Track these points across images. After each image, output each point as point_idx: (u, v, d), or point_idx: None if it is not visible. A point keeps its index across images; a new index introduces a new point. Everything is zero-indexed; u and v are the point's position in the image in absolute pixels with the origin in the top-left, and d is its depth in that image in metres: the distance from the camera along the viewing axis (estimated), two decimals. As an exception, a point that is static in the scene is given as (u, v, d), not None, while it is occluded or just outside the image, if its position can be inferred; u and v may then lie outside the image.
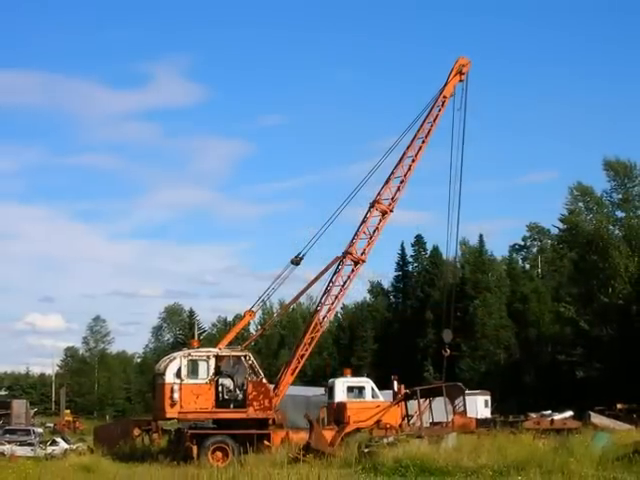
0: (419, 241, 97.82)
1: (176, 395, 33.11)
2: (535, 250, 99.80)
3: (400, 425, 35.05)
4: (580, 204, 71.69)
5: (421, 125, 36.73)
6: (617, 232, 70.26)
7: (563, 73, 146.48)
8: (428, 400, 36.58)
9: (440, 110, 37.00)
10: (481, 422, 38.01)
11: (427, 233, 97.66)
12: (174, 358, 34.48)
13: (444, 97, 37.05)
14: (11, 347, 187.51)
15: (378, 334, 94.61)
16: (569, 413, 41.11)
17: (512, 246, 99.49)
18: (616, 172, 68.82)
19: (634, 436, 29.58)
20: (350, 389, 38.14)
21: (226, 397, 33.97)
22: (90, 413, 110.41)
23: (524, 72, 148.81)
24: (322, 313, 36.73)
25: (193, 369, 33.67)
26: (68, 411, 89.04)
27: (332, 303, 36.70)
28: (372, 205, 36.48)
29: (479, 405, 49.44)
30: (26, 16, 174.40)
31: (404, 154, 36.60)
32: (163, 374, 33.80)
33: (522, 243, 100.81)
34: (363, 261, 36.53)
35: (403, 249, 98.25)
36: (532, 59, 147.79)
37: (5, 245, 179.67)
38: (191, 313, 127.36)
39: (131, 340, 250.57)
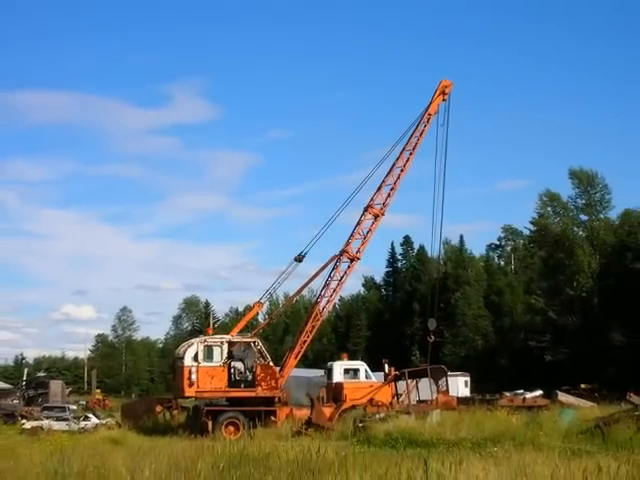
0: (407, 241, 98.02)
1: (194, 376, 33.07)
2: (509, 249, 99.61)
3: (390, 403, 34.88)
4: (549, 208, 71.57)
5: (409, 139, 36.60)
6: (581, 233, 70.27)
7: (535, 92, 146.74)
8: (415, 381, 36.47)
9: (425, 126, 36.86)
10: (461, 400, 37.86)
11: (414, 234, 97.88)
12: (192, 344, 34.45)
13: (429, 114, 36.92)
14: (49, 334, 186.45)
15: (371, 323, 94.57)
16: (539, 392, 40.94)
17: (489, 245, 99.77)
18: (580, 180, 68.75)
19: (596, 412, 29.45)
20: (346, 371, 38.09)
21: (237, 378, 33.93)
22: (118, 392, 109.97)
23: (501, 92, 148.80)
24: (322, 304, 36.72)
25: (208, 353, 33.59)
26: (99, 390, 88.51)
27: (331, 295, 36.67)
28: (366, 209, 36.38)
29: (460, 385, 49.28)
30: (62, 44, 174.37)
31: (394, 164, 36.47)
32: (182, 358, 33.75)
33: (498, 243, 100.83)
34: (358, 259, 36.46)
35: (393, 248, 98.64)
36: (509, 81, 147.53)
37: (44, 245, 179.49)
38: (207, 304, 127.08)
39: (154, 328, 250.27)
